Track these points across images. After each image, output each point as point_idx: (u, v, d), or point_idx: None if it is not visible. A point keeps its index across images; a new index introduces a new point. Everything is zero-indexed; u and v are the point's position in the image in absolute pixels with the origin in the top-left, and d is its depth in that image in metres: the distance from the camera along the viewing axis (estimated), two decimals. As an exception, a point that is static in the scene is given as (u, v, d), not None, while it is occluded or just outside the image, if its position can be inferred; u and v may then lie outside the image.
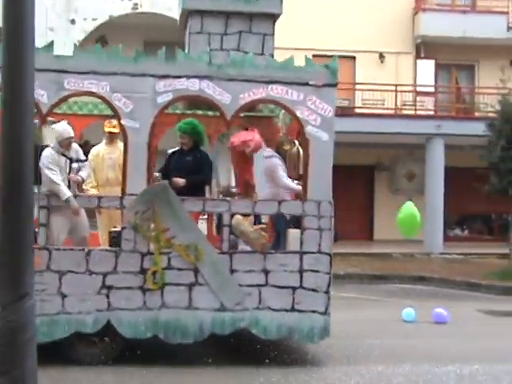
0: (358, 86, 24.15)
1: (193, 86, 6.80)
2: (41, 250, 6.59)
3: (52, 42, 6.74)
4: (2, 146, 3.66)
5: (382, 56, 24.50)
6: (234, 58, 7.00)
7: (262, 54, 7.51)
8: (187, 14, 7.47)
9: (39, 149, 7.44)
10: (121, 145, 7.83)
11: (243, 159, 8.06)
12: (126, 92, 6.68)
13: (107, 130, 8.08)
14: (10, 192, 3.68)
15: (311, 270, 6.99)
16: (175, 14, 23.28)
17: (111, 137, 8.20)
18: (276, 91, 6.93)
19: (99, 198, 7.02)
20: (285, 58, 7.01)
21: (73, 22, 23.50)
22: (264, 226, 7.49)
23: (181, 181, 7.42)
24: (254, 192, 7.96)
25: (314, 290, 7.00)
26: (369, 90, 23.17)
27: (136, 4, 23.91)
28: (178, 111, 8.80)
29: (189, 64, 6.82)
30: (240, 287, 6.86)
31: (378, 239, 23.88)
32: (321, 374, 6.82)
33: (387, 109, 22.99)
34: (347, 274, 15.44)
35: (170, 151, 8.10)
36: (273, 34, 7.58)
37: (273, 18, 7.59)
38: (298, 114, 6.99)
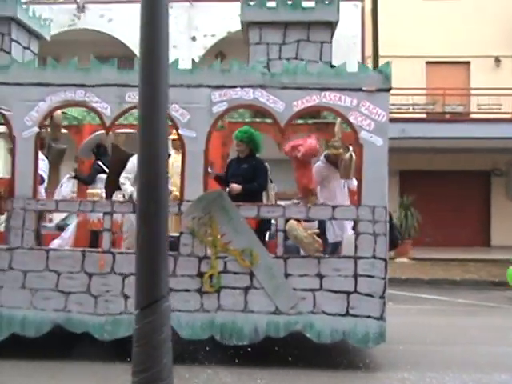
0: (473, 92, 24.47)
1: (247, 95, 7.51)
2: (105, 254, 7.75)
3: (177, 60, 7.78)
4: (140, 158, 4.09)
5: (497, 60, 24.68)
6: (287, 67, 7.55)
7: (320, 61, 8.26)
8: (247, 25, 8.37)
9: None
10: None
11: (300, 164, 8.81)
12: (183, 103, 7.42)
13: (171, 137, 9.12)
14: (146, 200, 4.10)
15: (366, 275, 7.48)
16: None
17: (175, 144, 9.20)
18: (329, 98, 7.52)
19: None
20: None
21: (194, 38, 25.63)
22: (317, 230, 8.22)
23: (236, 187, 8.13)
24: (313, 196, 8.69)
25: (368, 295, 7.46)
26: (484, 95, 23.37)
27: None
28: (246, 119, 9.79)
29: (243, 74, 7.49)
30: (294, 291, 7.44)
31: (496, 245, 24.08)
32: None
33: (504, 113, 23.06)
34: (464, 280, 16.10)
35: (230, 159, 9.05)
36: (330, 42, 8.22)
37: (330, 26, 8.15)
38: (352, 119, 7.55)
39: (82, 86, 7.58)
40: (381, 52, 23.42)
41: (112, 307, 7.53)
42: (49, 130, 9.25)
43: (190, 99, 7.53)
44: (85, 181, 9.48)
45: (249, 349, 7.56)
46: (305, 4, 8.14)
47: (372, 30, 24.24)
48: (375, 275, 7.50)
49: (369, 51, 25.11)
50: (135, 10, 19.45)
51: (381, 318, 7.51)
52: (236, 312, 7.49)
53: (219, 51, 26.32)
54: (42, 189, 8.41)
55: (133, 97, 7.53)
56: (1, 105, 7.56)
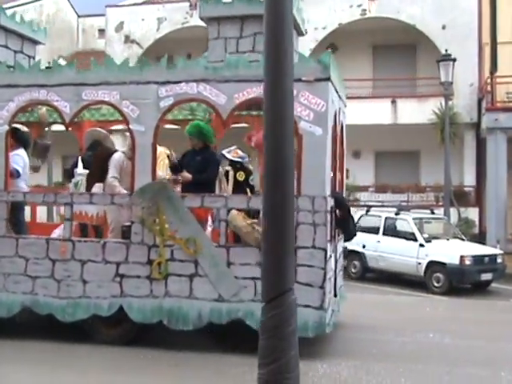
0: None
1: (191, 89, 8.13)
2: (66, 242, 8.67)
3: (127, 59, 8.50)
4: (266, 148, 4.27)
5: None
6: (228, 60, 8.11)
7: None
8: (206, 21, 8.92)
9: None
10: (159, 149, 9.75)
11: (261, 154, 9.25)
12: (133, 99, 8.21)
13: None
14: (273, 193, 4.22)
15: (305, 265, 7.90)
16: (403, 16, 25.11)
17: None
18: (269, 90, 8.09)
19: (111, 195, 8.84)
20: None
21: (305, 31, 26.36)
22: (256, 220, 8.61)
23: (187, 175, 8.81)
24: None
25: (308, 284, 7.87)
26: None
27: (364, 10, 26.25)
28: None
29: (187, 69, 8.14)
30: (236, 279, 8.06)
31: None
32: None
33: None
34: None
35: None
36: None
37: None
38: (291, 110, 8.04)
39: (45, 86, 8.51)
40: (499, 39, 22.97)
41: (72, 291, 8.40)
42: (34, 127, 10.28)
43: (139, 95, 8.31)
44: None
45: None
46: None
47: (490, 17, 23.74)
48: (315, 265, 7.88)
49: (486, 38, 24.61)
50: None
51: (320, 307, 7.87)
52: (182, 298, 8.17)
53: (331, 43, 26.87)
54: (21, 182, 9.44)
55: (89, 95, 8.38)
56: (-25, 106, 8.64)
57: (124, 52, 28.02)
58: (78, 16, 33.16)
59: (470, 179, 26.22)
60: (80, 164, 9.82)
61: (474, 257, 15.62)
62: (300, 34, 9.45)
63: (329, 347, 8.75)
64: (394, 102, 26.43)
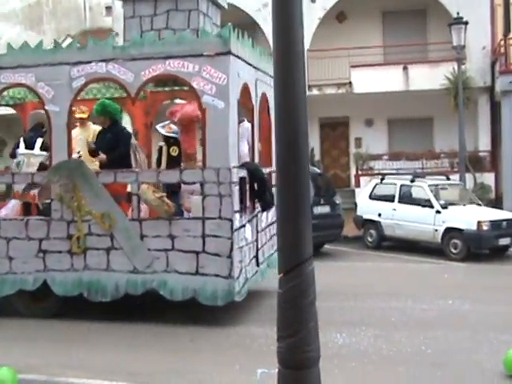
0: None
1: (101, 69, 8.70)
2: (-9, 220, 9.30)
3: (41, 42, 9.13)
4: (278, 118, 4.15)
5: None
6: (134, 39, 8.62)
7: (188, 28, 9.05)
8: (123, 1, 9.39)
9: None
10: (93, 127, 10.32)
11: (183, 129, 9.71)
12: (48, 80, 8.82)
13: (77, 116, 10.41)
14: (286, 161, 4.13)
15: (213, 236, 8.46)
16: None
17: (81, 121, 10.54)
18: (173, 65, 8.44)
19: (32, 174, 9.42)
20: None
21: (313, 0, 26.64)
22: (165, 194, 9.09)
23: (101, 157, 9.37)
24: (192, 161, 9.51)
25: (216, 254, 8.42)
26: None
27: (373, -25, 26.33)
28: (166, 89, 10.84)
29: (96, 49, 8.69)
30: (149, 251, 8.63)
31: None
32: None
33: None
34: None
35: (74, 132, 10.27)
36: (197, 9, 9.10)
37: None
38: (195, 84, 8.42)
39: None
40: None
41: None
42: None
43: (53, 77, 8.91)
44: None
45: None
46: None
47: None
48: (221, 235, 8.37)
49: (499, -1, 24.64)
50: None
51: (229, 276, 8.34)
52: (100, 271, 8.76)
53: (340, 11, 27.04)
54: None
55: (7, 78, 8.98)
56: None
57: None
58: (84, -6, 33.85)
59: (484, 144, 26.27)
60: (22, 144, 10.42)
61: (491, 222, 15.67)
62: (220, 7, 9.80)
63: (346, 317, 9.13)
64: (405, 68, 26.48)
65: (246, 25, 27.32)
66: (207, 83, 8.37)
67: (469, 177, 22.61)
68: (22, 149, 10.45)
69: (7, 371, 6.09)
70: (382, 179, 18.71)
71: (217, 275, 8.43)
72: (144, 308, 9.11)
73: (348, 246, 17.86)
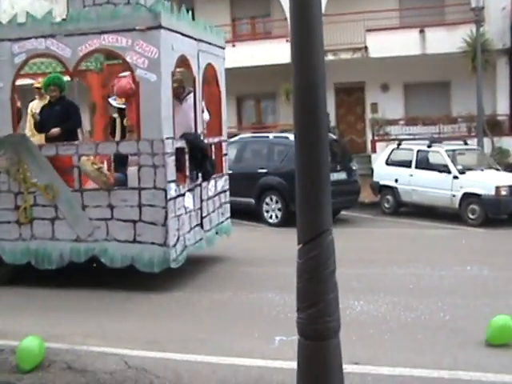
0: None
1: (40, 44, 9.20)
2: None
3: None
4: (296, 85, 4.09)
5: None
6: (71, 15, 9.09)
7: (128, 3, 9.44)
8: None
9: None
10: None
11: (125, 101, 10.26)
12: (-10, 57, 9.46)
13: (35, 85, 10.90)
14: (305, 129, 4.10)
15: (148, 205, 8.94)
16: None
17: (40, 93, 11.03)
18: (107, 40, 8.89)
19: None
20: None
21: None
22: (102, 165, 9.56)
23: (55, 130, 9.82)
24: (131, 132, 9.95)
25: (152, 223, 8.93)
26: None
27: None
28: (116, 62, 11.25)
29: (36, 25, 9.17)
30: (91, 221, 9.18)
31: None
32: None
33: None
34: None
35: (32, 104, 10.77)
36: None
37: None
38: (128, 59, 8.86)
39: None
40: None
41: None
42: None
43: (-5, 53, 9.32)
44: None
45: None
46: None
47: None
48: (156, 204, 8.88)
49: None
50: None
51: (164, 244, 8.84)
52: (46, 240, 9.34)
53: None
54: None
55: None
56: None
57: None
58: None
59: (503, 107, 26.24)
60: None
61: (510, 187, 15.82)
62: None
63: (364, 284, 9.47)
64: (422, 31, 26.49)
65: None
66: (140, 57, 8.81)
67: (487, 141, 22.72)
68: None
69: (35, 340, 6.36)
70: (399, 145, 18.98)
71: (153, 243, 8.95)
72: (164, 277, 9.45)
73: (365, 212, 18.16)
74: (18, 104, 11.26)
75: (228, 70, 26.57)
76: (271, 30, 29.37)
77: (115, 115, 10.92)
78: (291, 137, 16.02)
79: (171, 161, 9.00)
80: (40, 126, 10.25)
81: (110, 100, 10.85)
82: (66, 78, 10.13)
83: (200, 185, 10.04)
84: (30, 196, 9.40)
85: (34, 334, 6.59)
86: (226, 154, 11.47)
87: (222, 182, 11.13)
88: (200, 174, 9.95)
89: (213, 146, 10.83)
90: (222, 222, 11.09)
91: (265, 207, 16.25)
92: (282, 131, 21.52)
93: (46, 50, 9.27)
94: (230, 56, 26.80)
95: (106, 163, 10.61)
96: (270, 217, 16.11)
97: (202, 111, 10.27)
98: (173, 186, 9.02)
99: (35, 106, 11.18)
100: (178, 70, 9.70)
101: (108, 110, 11.58)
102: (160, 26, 8.76)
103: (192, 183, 9.75)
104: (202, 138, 10.02)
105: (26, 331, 6.87)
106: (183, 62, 9.57)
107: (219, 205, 11.01)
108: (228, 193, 11.59)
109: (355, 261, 10.67)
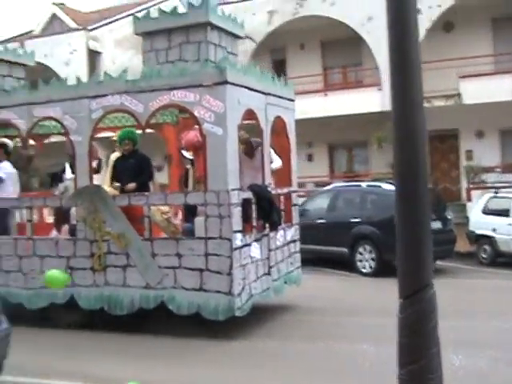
0: None
1: (115, 101, 9.80)
2: (29, 240, 10.55)
3: (67, 77, 10.53)
4: (397, 134, 4.09)
5: None
6: (144, 73, 9.64)
7: (198, 60, 9.91)
8: (142, 36, 10.37)
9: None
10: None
11: (193, 154, 10.66)
12: (72, 113, 10.04)
13: (114, 138, 11.45)
14: (405, 182, 4.10)
15: (214, 254, 9.26)
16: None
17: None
18: (177, 96, 9.39)
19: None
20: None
21: (418, 11, 27.00)
22: (170, 215, 9.91)
23: (131, 186, 10.32)
24: (198, 184, 10.32)
25: (217, 272, 9.24)
26: None
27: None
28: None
29: (112, 83, 9.81)
30: (160, 269, 9.58)
31: None
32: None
33: None
34: None
35: (112, 155, 11.32)
36: (206, 41, 9.89)
37: (204, 26, 9.89)
38: (196, 113, 9.31)
39: (5, 107, 10.48)
40: None
41: (35, 282, 10.28)
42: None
43: (76, 110, 10.09)
44: None
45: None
46: (181, 10, 9.95)
47: None
48: (222, 254, 9.21)
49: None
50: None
51: (229, 293, 9.14)
52: (118, 287, 9.78)
53: (447, 21, 27.11)
54: (8, 188, 11.42)
55: (39, 112, 10.24)
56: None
57: (239, 46, 29.79)
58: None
59: None
60: (68, 170, 11.69)
61: None
62: (236, 37, 10.64)
63: (462, 336, 9.16)
64: (517, 76, 26.20)
65: (350, 39, 28.10)
66: (207, 111, 9.24)
67: None
68: (68, 174, 11.72)
69: None
70: (496, 192, 18.65)
71: (218, 291, 9.26)
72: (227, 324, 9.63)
73: (461, 263, 17.82)
74: (99, 155, 11.93)
75: (319, 119, 27.37)
76: (362, 78, 29.65)
77: (188, 166, 11.40)
78: (384, 186, 16.26)
79: (237, 211, 9.34)
80: (113, 177, 10.83)
81: (183, 151, 11.33)
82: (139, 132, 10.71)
83: (267, 235, 10.34)
84: (104, 244, 9.91)
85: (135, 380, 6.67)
86: (295, 205, 11.73)
87: (292, 232, 11.39)
88: (267, 225, 10.25)
89: (281, 197, 11.15)
90: (292, 271, 11.32)
91: (358, 257, 16.15)
92: (375, 180, 21.60)
93: (120, 106, 9.85)
94: (322, 105, 27.94)
95: (180, 213, 11.09)
96: (364, 266, 16.00)
97: (271, 162, 10.63)
98: (238, 235, 9.34)
99: (113, 157, 11.77)
100: (246, 122, 10.11)
101: (183, 161, 12.07)
102: (226, 82, 9.18)
103: (259, 233, 10.06)
104: (269, 188, 10.34)
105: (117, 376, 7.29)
106: (251, 114, 9.97)
107: (288, 254, 11.25)
108: (298, 243, 11.83)
109: (453, 312, 10.27)
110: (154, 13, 10.27)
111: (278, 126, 11.14)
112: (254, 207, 9.92)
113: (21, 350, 7.74)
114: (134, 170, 10.52)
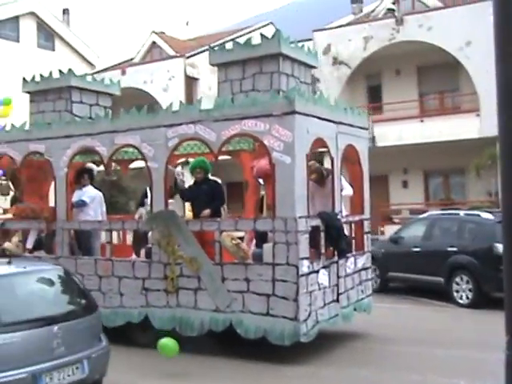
0: None
1: (190, 129, 10.24)
2: (108, 261, 11.08)
3: (144, 107, 11.13)
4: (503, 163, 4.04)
5: None
6: (217, 103, 10.04)
7: (270, 89, 10.19)
8: (217, 67, 10.78)
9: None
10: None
11: (264, 181, 10.95)
12: (149, 141, 10.58)
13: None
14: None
15: (281, 280, 9.50)
16: None
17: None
18: (247, 125, 9.74)
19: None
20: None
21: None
22: (239, 241, 10.15)
23: (207, 212, 10.74)
24: (268, 211, 10.58)
25: (284, 297, 9.47)
26: None
27: None
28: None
29: (187, 112, 10.29)
30: (229, 292, 9.90)
31: None
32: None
33: None
34: None
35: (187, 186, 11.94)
36: (278, 72, 10.18)
37: (277, 57, 10.13)
38: (265, 142, 9.64)
39: (89, 135, 11.09)
40: None
41: (113, 302, 10.81)
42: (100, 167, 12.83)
43: (153, 138, 10.62)
44: None
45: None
46: (254, 42, 10.34)
47: None
48: (288, 280, 9.47)
49: None
50: (454, 14, 23.19)
51: (295, 318, 9.39)
52: (189, 309, 10.20)
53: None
54: (90, 211, 12.04)
55: (119, 140, 10.83)
56: (46, 154, 11.50)
57: (333, 73, 30.16)
58: (289, 42, 35.89)
59: None
60: (149, 194, 12.24)
61: None
62: (310, 66, 10.94)
63: None
64: None
65: (448, 64, 27.93)
66: (276, 140, 9.54)
67: None
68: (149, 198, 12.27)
69: None
70: None
71: (284, 317, 9.49)
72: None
73: None
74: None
75: (415, 146, 27.24)
76: (460, 104, 29.34)
77: (263, 192, 11.73)
78: (483, 214, 16.00)
79: (304, 239, 9.57)
80: (188, 201, 11.31)
81: (259, 179, 11.68)
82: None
83: (337, 262, 10.53)
84: (177, 267, 10.32)
85: None
86: (368, 232, 11.88)
87: (363, 260, 11.52)
88: (335, 252, 10.45)
89: (353, 225, 11.36)
90: (362, 298, 11.45)
91: (455, 287, 15.64)
92: (473, 208, 21.33)
93: (194, 135, 10.29)
94: (418, 131, 27.86)
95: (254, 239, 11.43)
96: (461, 297, 15.48)
97: (341, 189, 10.85)
98: (305, 262, 9.56)
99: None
100: (319, 150, 10.37)
101: (259, 187, 12.41)
102: (294, 112, 9.47)
103: (327, 260, 10.26)
104: (338, 216, 10.54)
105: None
106: (320, 143, 10.25)
107: (359, 282, 11.39)
108: (370, 270, 11.98)
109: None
110: (229, 45, 10.71)
111: (351, 155, 11.35)
112: (322, 234, 10.15)
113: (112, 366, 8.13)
114: (206, 195, 10.95)
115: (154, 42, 37.67)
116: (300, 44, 10.88)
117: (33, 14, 40.93)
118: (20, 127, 12.26)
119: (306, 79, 10.88)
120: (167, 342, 9.60)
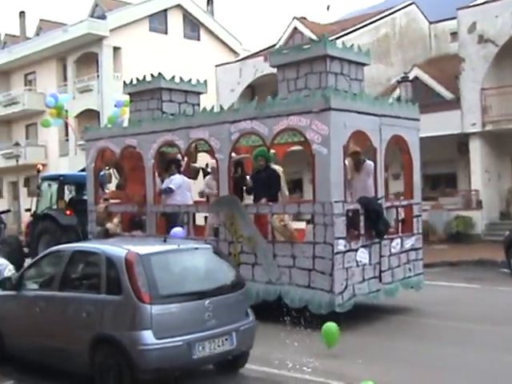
0: None
1: (247, 125, 11.89)
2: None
3: (213, 106, 12.94)
4: None
5: None
6: (269, 101, 11.60)
7: (320, 87, 11.52)
8: (276, 68, 12.26)
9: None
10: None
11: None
12: (216, 135, 12.36)
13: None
14: None
15: (319, 257, 10.98)
16: None
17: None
18: (293, 120, 11.25)
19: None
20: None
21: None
22: (288, 222, 11.64)
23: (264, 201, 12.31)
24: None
25: (322, 272, 10.94)
26: None
27: None
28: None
29: (246, 110, 11.97)
30: (279, 267, 11.47)
31: None
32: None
33: None
34: None
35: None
36: (326, 71, 11.48)
37: (324, 59, 11.44)
38: (307, 135, 11.08)
39: (170, 130, 13.02)
40: None
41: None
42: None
43: (219, 133, 12.38)
44: None
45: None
46: (305, 46, 11.86)
47: None
48: (325, 257, 10.95)
49: None
50: None
51: (330, 291, 10.87)
52: (248, 281, 11.80)
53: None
54: (176, 197, 13.93)
55: (193, 134, 12.69)
56: (138, 148, 13.59)
57: (479, 52, 28.96)
58: (430, 23, 36.40)
59: None
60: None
61: None
62: (362, 64, 12.24)
63: None
64: None
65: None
66: (315, 134, 11.00)
67: None
68: None
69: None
70: None
71: (322, 289, 10.99)
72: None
73: None
74: None
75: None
76: None
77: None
78: None
79: (340, 221, 10.97)
80: (250, 190, 12.97)
81: None
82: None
83: (379, 242, 11.87)
84: (239, 245, 12.05)
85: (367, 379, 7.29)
86: (418, 215, 13.05)
87: (412, 241, 12.73)
88: (374, 233, 11.77)
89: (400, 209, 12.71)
90: (410, 276, 12.70)
91: None
92: None
93: (251, 130, 11.96)
94: None
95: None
96: None
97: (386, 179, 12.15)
98: (341, 242, 10.97)
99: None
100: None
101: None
102: (330, 108, 10.87)
103: (367, 240, 11.62)
104: (379, 201, 11.82)
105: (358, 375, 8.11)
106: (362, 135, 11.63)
107: (406, 261, 12.62)
108: (420, 251, 13.14)
109: None
110: (285, 48, 12.28)
111: (401, 144, 12.58)
112: (362, 217, 11.52)
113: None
114: (265, 182, 12.56)
115: (295, 28, 39.06)
116: (349, 44, 12.24)
117: (179, 6, 43.87)
118: (119, 124, 14.45)
119: (357, 76, 12.18)
120: (332, 327, 9.68)
